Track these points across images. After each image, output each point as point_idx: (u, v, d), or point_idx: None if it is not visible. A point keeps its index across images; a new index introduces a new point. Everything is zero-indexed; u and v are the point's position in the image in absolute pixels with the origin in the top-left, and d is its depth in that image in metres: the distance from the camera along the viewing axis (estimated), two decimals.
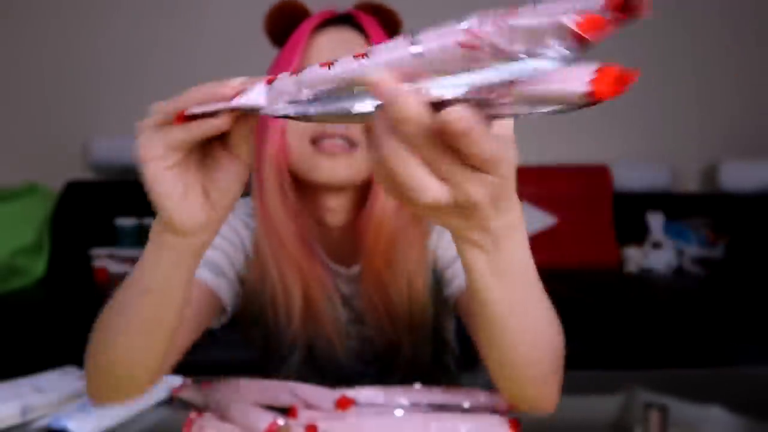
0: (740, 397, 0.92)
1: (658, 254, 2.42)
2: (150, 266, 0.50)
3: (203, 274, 0.70)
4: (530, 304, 0.48)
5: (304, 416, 0.70)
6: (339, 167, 0.67)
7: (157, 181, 0.47)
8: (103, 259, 2.16)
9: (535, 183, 2.54)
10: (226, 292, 0.73)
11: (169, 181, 0.46)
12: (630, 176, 2.65)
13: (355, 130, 0.67)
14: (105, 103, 2.69)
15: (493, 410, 0.73)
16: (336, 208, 0.72)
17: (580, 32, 0.35)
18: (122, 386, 0.59)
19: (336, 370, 0.80)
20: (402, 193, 0.33)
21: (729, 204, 2.59)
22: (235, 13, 2.72)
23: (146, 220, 2.23)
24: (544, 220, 2.49)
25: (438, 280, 0.76)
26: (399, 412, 0.71)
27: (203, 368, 1.60)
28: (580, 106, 0.36)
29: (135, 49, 2.69)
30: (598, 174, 2.57)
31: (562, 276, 2.29)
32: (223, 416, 0.71)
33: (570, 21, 0.34)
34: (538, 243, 2.69)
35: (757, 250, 2.18)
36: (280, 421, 0.66)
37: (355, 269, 0.76)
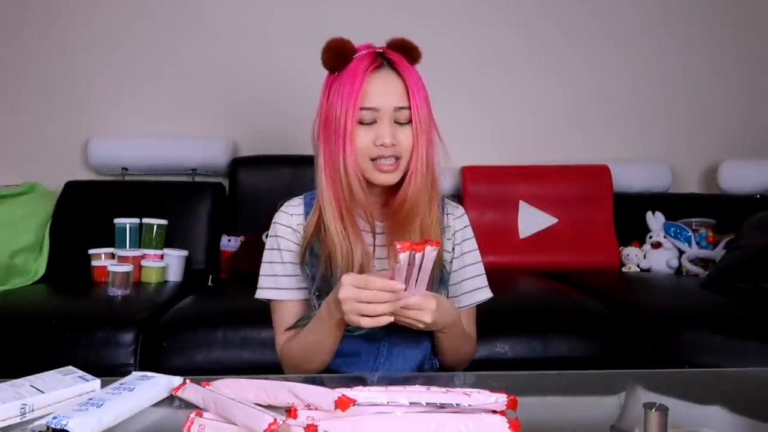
0: (740, 397, 0.92)
1: (658, 254, 2.42)
2: (323, 336, 1.00)
3: (292, 295, 1.09)
4: (459, 343, 1.09)
5: (304, 416, 0.70)
6: (390, 178, 1.02)
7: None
8: (102, 259, 2.16)
9: (536, 183, 2.54)
10: (304, 292, 1.09)
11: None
12: (630, 176, 2.65)
13: (399, 148, 1.00)
14: (105, 104, 2.69)
15: (493, 410, 0.72)
16: (377, 191, 1.07)
17: None
18: (309, 371, 1.05)
19: None
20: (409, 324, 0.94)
21: (729, 204, 2.59)
22: (231, 14, 2.72)
23: (144, 221, 2.24)
24: (544, 220, 2.49)
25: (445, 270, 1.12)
26: (399, 412, 0.71)
27: (203, 368, 1.61)
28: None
29: (134, 50, 2.69)
30: (599, 174, 2.56)
31: (562, 276, 2.29)
32: (223, 416, 0.71)
33: None
34: (538, 243, 2.70)
35: (756, 250, 2.17)
36: (280, 421, 0.66)
37: (386, 223, 1.08)
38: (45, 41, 2.67)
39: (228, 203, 2.52)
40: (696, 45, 2.86)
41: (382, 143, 0.99)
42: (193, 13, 2.71)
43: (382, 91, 0.99)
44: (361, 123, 1.00)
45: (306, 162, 2.46)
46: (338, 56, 1.01)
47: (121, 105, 2.70)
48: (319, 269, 1.03)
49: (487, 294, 1.13)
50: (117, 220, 2.23)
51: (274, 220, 1.10)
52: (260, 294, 1.09)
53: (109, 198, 2.41)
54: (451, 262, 1.11)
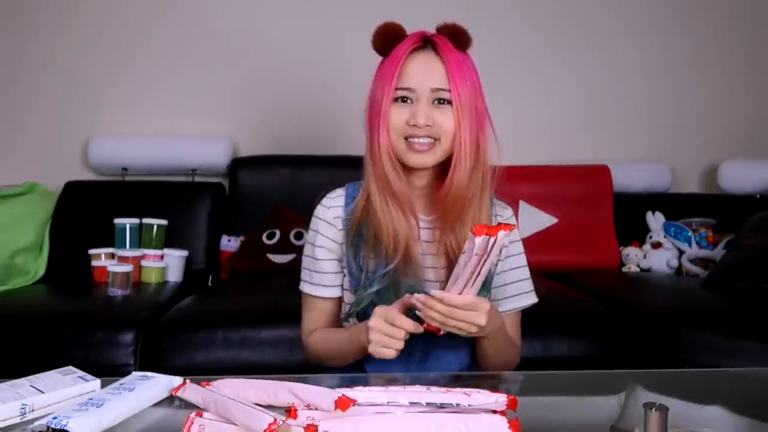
0: (740, 397, 0.92)
1: (658, 254, 2.42)
2: (348, 350, 1.01)
3: (318, 291, 1.08)
4: (503, 349, 1.04)
5: (304, 416, 0.70)
6: (425, 159, 0.99)
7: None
8: (102, 259, 2.16)
9: (536, 183, 2.53)
10: (339, 289, 1.08)
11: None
12: (630, 176, 2.65)
13: (437, 129, 0.97)
14: (105, 104, 2.69)
15: (493, 410, 0.72)
16: (421, 177, 1.05)
17: None
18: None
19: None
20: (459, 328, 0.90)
21: (729, 204, 2.59)
22: (232, 14, 2.72)
23: (144, 221, 2.24)
24: (544, 220, 2.49)
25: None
26: (399, 412, 0.71)
27: (203, 368, 1.61)
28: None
29: (134, 50, 2.69)
30: (599, 174, 2.56)
31: (562, 276, 2.29)
32: (223, 416, 0.71)
33: None
34: (538, 243, 2.71)
35: (756, 250, 2.18)
36: (280, 421, 0.66)
37: (432, 217, 1.05)
38: (45, 41, 2.66)
39: (228, 203, 2.52)
40: (696, 45, 2.86)
41: (414, 123, 0.97)
42: (194, 13, 2.71)
43: (420, 72, 0.98)
44: (398, 102, 0.99)
45: (306, 162, 2.46)
46: (386, 39, 1.01)
47: (121, 105, 2.70)
48: (367, 251, 1.02)
49: (532, 299, 1.10)
50: (117, 220, 2.23)
51: (314, 213, 1.09)
52: (300, 285, 1.11)
53: (109, 198, 2.41)
54: (496, 264, 1.06)
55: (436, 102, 0.98)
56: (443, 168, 1.02)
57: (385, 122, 0.98)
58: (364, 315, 1.02)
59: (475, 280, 0.86)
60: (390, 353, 0.91)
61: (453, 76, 0.97)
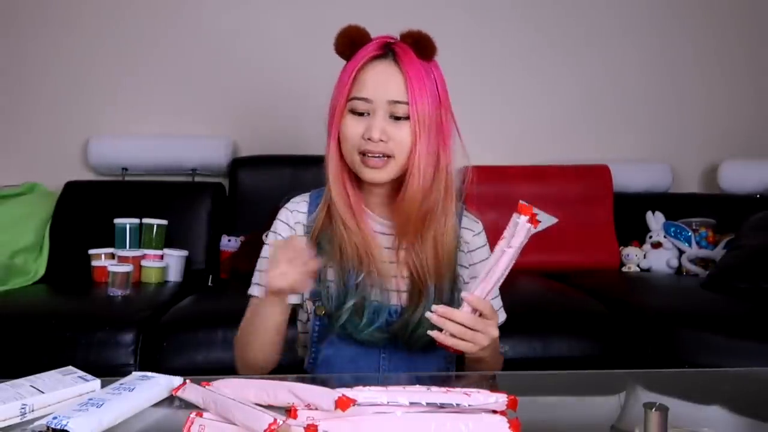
0: (740, 397, 0.92)
1: (658, 254, 2.42)
2: (266, 316, 0.95)
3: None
4: (493, 356, 0.96)
5: (304, 416, 0.70)
6: (379, 175, 0.95)
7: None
8: (102, 259, 2.16)
9: (536, 183, 2.53)
10: (295, 296, 1.02)
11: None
12: (630, 176, 2.65)
13: (392, 147, 0.93)
14: (105, 104, 2.69)
15: (493, 410, 0.72)
16: (377, 189, 1.01)
17: None
18: (255, 366, 1.00)
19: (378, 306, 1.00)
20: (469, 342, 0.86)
21: (729, 204, 2.59)
22: (231, 14, 2.72)
23: (144, 221, 2.24)
24: (544, 220, 2.49)
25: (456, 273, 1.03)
26: (399, 412, 0.71)
27: (203, 368, 1.61)
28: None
29: (134, 50, 2.69)
30: (599, 174, 2.56)
31: (562, 276, 2.29)
32: (223, 416, 0.71)
33: None
34: (538, 243, 2.70)
35: (756, 250, 2.18)
36: (280, 421, 0.66)
37: (393, 223, 1.01)
38: (45, 41, 2.66)
39: (228, 203, 2.52)
40: (696, 45, 2.86)
41: (369, 137, 0.92)
42: (193, 13, 2.71)
43: (378, 82, 0.93)
44: (354, 113, 0.95)
45: (306, 162, 2.46)
46: (348, 43, 0.97)
47: (121, 105, 2.70)
48: (327, 262, 0.98)
49: (502, 316, 1.07)
50: (117, 220, 2.23)
51: (277, 217, 1.06)
52: (251, 290, 1.06)
53: (109, 198, 2.41)
54: (467, 282, 1.04)
55: (392, 117, 0.93)
56: (402, 179, 0.98)
57: (337, 131, 0.96)
58: (342, 329, 0.99)
59: (494, 284, 0.85)
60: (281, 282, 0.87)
61: (412, 90, 0.92)
